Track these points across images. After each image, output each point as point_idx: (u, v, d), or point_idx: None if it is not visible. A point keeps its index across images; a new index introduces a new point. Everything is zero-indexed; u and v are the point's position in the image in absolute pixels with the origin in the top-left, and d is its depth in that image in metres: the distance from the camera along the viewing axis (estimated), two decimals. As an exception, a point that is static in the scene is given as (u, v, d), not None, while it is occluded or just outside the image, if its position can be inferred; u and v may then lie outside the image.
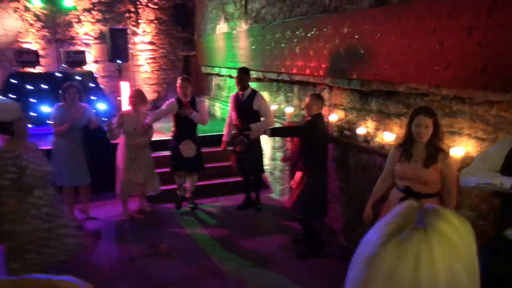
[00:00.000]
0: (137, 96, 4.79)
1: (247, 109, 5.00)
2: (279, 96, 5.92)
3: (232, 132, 5.27)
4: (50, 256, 3.02)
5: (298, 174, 4.15)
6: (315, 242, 4.13)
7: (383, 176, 3.07)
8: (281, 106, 5.80)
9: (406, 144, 2.83)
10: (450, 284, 0.64)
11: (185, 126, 4.98)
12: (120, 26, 8.87)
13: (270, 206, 5.51)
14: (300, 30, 4.76)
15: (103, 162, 4.90)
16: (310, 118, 3.99)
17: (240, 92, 5.03)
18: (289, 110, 5.31)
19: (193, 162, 5.06)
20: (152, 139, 5.03)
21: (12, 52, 7.39)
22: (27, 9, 8.50)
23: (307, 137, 3.99)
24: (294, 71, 5.02)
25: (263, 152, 5.31)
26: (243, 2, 6.55)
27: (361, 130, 4.05)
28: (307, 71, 4.72)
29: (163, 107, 5.06)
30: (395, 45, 3.31)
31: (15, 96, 6.34)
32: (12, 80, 6.46)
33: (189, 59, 9.92)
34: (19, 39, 8.53)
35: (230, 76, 7.30)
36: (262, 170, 5.47)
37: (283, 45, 5.22)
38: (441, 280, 0.63)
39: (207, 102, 9.04)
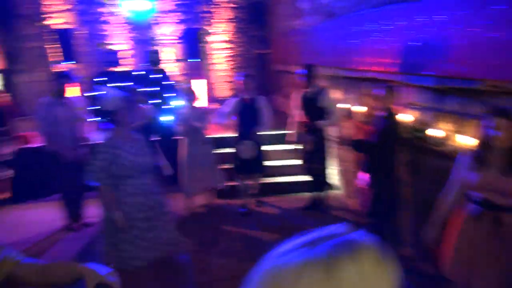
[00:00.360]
0: (188, 94, 4.96)
1: (314, 107, 4.84)
2: (350, 94, 5.62)
3: (298, 131, 5.13)
4: (144, 250, 2.99)
5: (364, 176, 3.91)
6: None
7: (450, 188, 2.71)
8: (351, 105, 5.50)
9: (481, 150, 2.46)
10: None
11: (246, 125, 4.92)
12: (197, 26, 9.23)
13: (337, 207, 5.28)
14: (369, 23, 4.45)
15: (167, 158, 5.08)
16: (383, 117, 3.69)
17: (306, 90, 4.89)
18: (358, 109, 5.02)
19: (253, 164, 4.99)
20: (214, 136, 5.16)
21: (98, 53, 8.06)
22: (116, 13, 9.23)
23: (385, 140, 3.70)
24: (364, 67, 4.71)
25: (330, 150, 5.13)
26: (314, -3, 6.35)
27: (433, 132, 3.65)
28: (377, 67, 4.39)
29: (225, 108, 5.03)
30: (476, 37, 2.90)
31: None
32: (97, 79, 7.04)
33: (264, 57, 9.96)
34: (109, 41, 9.32)
35: (301, 74, 7.14)
36: (330, 169, 5.27)
37: (352, 39, 4.94)
38: None
39: (279, 100, 8.99)
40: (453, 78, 3.23)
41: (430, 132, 3.71)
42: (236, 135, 5.09)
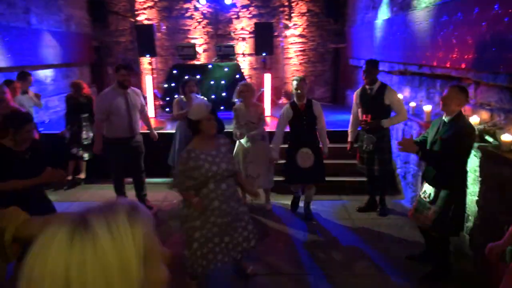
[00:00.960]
0: (247, 90, 4.69)
1: (377, 104, 4.57)
2: (420, 91, 5.23)
3: (359, 129, 4.88)
4: (213, 253, 3.08)
5: (427, 187, 3.50)
6: (444, 265, 3.50)
7: None
8: (421, 103, 5.12)
9: None
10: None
11: (302, 131, 4.62)
12: (272, 20, 9.25)
13: (397, 213, 4.96)
14: (443, 16, 4.07)
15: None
16: (456, 123, 3.20)
17: (367, 86, 4.63)
18: (428, 108, 4.65)
19: (311, 173, 4.62)
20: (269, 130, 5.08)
21: (176, 47, 8.50)
22: (196, 8, 9.65)
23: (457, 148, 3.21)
24: (435, 63, 4.34)
25: (392, 151, 4.80)
26: (390, -12, 5.98)
27: (507, 137, 3.24)
28: (448, 63, 4.01)
29: (280, 118, 4.71)
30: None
31: (174, 84, 7.33)
32: (174, 71, 7.43)
33: (339, 51, 9.67)
34: (188, 36, 9.78)
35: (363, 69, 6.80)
36: (390, 171, 4.96)
37: (424, 33, 4.57)
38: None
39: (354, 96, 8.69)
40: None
41: (503, 137, 3.29)
42: (290, 142, 4.77)
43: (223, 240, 3.12)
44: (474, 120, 3.72)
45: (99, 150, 4.72)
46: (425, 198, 3.43)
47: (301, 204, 5.07)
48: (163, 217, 4.82)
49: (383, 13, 6.33)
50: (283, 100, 9.59)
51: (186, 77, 7.41)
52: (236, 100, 4.90)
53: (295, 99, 4.60)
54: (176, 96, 5.39)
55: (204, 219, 3.06)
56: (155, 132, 5.22)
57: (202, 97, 3.88)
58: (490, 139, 3.50)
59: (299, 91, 4.49)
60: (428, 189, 3.42)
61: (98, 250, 0.64)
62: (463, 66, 3.73)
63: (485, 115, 3.68)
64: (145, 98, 7.83)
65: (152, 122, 7.16)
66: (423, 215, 3.43)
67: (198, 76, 7.42)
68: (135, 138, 4.81)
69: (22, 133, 3.07)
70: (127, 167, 4.87)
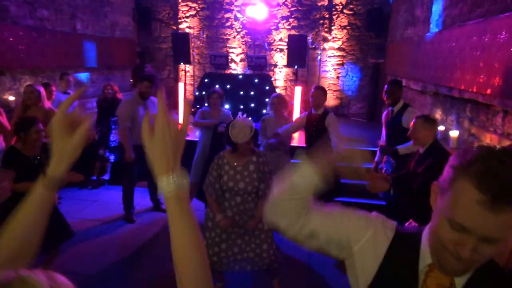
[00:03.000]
0: (278, 102, 4.70)
1: (395, 127, 4.32)
2: (451, 115, 4.89)
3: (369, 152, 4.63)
4: (218, 257, 3.15)
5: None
6: None
7: None
8: (451, 127, 4.78)
9: None
10: None
11: (315, 143, 4.50)
12: (311, 33, 9.14)
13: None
14: (473, 36, 3.78)
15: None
16: (429, 155, 3.00)
17: (390, 108, 4.38)
18: (454, 133, 4.33)
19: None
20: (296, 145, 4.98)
21: (211, 56, 8.62)
22: (236, 18, 9.76)
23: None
24: (463, 86, 4.03)
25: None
26: (428, 4, 5.68)
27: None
28: (475, 88, 3.71)
29: (293, 121, 4.73)
30: None
31: (204, 93, 7.42)
32: (205, 79, 7.54)
33: (379, 66, 9.33)
34: (227, 45, 9.91)
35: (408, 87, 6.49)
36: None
37: (454, 54, 4.27)
38: None
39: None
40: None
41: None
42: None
43: (232, 249, 3.14)
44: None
45: (131, 158, 4.77)
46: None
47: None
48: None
49: (421, 30, 6.03)
50: (316, 114, 9.41)
51: (217, 86, 7.54)
52: (268, 112, 4.89)
53: (313, 108, 4.53)
54: (205, 104, 5.40)
55: (215, 223, 3.13)
56: None
57: (244, 115, 3.79)
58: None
59: (314, 100, 4.43)
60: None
61: None
62: (488, 91, 3.43)
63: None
64: (177, 105, 8.07)
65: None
66: None
67: (228, 86, 7.49)
68: None
69: (30, 135, 3.22)
70: (143, 173, 4.96)
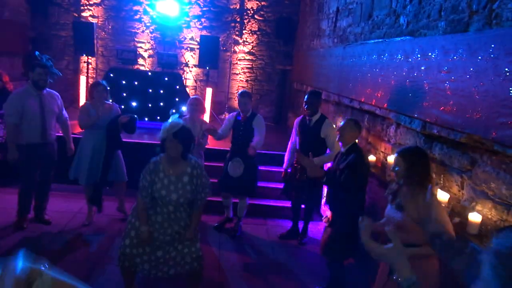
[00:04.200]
0: (197, 105, 4.70)
1: (313, 136, 4.56)
2: (351, 124, 5.33)
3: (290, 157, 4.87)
4: (141, 259, 3.10)
5: (327, 212, 3.68)
6: None
7: None
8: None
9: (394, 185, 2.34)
10: None
11: (239, 142, 4.70)
12: (223, 35, 9.18)
13: (317, 240, 4.97)
14: (373, 54, 4.18)
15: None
16: (350, 154, 3.45)
17: (307, 117, 4.61)
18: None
19: (242, 184, 4.69)
20: (207, 147, 4.99)
21: (117, 49, 8.14)
22: (146, 12, 9.35)
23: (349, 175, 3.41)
24: (363, 99, 4.43)
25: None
26: (334, 19, 6.12)
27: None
28: (373, 101, 4.11)
29: (225, 122, 4.92)
30: (461, 85, 2.60)
31: (108, 88, 6.97)
32: (110, 74, 7.09)
33: (286, 73, 9.78)
34: (135, 39, 9.45)
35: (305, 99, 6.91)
36: (319, 201, 5.00)
37: (356, 68, 4.67)
38: None
39: (293, 120, 8.76)
40: (437, 125, 2.92)
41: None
42: (229, 151, 4.90)
43: (155, 253, 3.07)
44: (392, 159, 3.82)
45: (15, 157, 4.24)
46: (326, 222, 3.62)
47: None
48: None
49: (326, 43, 6.46)
50: (225, 115, 9.48)
51: (123, 82, 7.13)
52: (186, 113, 4.85)
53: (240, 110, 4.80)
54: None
55: (138, 233, 3.06)
56: (73, 145, 4.76)
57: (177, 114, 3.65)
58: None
59: (241, 105, 4.73)
60: (328, 213, 3.60)
61: None
62: (385, 105, 3.82)
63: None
64: (77, 98, 7.44)
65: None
66: (323, 238, 3.62)
67: (135, 83, 7.14)
68: (48, 145, 4.43)
69: None
70: (36, 175, 4.47)
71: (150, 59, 9.39)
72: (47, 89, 4.40)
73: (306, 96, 4.64)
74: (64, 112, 4.67)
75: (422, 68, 3.10)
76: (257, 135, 4.67)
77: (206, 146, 5.01)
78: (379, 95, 3.99)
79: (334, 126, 4.75)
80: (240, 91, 4.92)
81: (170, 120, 3.02)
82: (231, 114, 4.95)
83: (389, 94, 3.75)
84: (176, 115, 3.12)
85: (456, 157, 2.90)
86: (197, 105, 4.73)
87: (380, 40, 4.16)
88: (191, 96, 4.97)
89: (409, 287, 1.37)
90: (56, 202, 5.15)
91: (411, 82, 3.29)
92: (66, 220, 4.81)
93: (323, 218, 3.73)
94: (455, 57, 2.67)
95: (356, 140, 3.62)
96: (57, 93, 4.60)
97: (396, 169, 2.54)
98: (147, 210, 3.06)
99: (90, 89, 4.65)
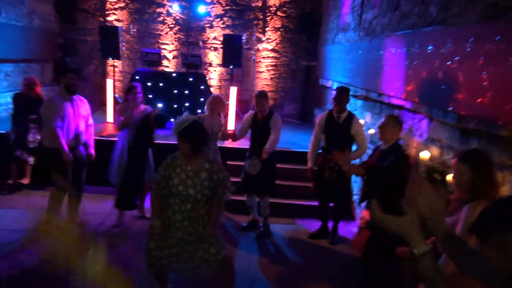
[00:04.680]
0: (216, 103, 4.73)
1: (342, 134, 4.47)
2: (380, 119, 5.17)
3: (322, 156, 4.76)
4: (168, 261, 3.09)
5: (366, 213, 3.52)
6: None
7: None
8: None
9: None
10: None
11: (258, 141, 4.68)
12: (246, 33, 9.14)
13: (347, 240, 4.85)
14: (402, 46, 4.03)
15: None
16: (392, 152, 3.34)
17: (335, 114, 4.52)
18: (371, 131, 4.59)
19: (260, 182, 4.67)
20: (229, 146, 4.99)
21: (142, 52, 8.23)
22: (169, 13, 9.43)
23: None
24: (392, 93, 4.28)
25: (351, 179, 4.76)
26: (359, 12, 5.96)
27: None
28: (403, 95, 3.96)
29: (243, 121, 4.87)
30: (500, 75, 2.45)
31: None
32: (136, 76, 7.17)
33: (311, 69, 9.64)
34: (159, 40, 9.55)
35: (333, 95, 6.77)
36: (349, 198, 4.89)
37: (385, 62, 4.52)
38: None
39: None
40: (474, 119, 2.77)
41: (449, 176, 3.22)
42: (249, 150, 4.87)
43: (181, 254, 3.06)
44: (424, 155, 3.66)
45: (68, 159, 4.28)
46: (363, 223, 3.49)
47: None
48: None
49: (351, 37, 6.31)
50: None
51: (149, 84, 7.21)
52: (205, 111, 4.87)
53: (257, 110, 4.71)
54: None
55: (165, 226, 3.03)
56: (93, 151, 4.74)
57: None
58: (438, 177, 3.43)
59: (258, 105, 4.62)
60: (366, 213, 3.46)
61: None
62: (416, 99, 3.67)
63: (435, 151, 3.62)
64: (105, 101, 7.58)
65: (110, 128, 6.92)
66: (359, 240, 3.49)
67: (161, 84, 7.20)
68: (79, 148, 4.51)
69: None
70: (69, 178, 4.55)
71: (175, 60, 9.47)
72: (76, 94, 4.47)
73: (335, 93, 4.56)
74: (91, 117, 4.72)
75: (456, 58, 2.95)
76: (271, 134, 4.62)
77: (226, 145, 5.02)
78: (409, 88, 3.84)
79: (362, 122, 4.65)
80: (256, 92, 4.84)
81: (179, 118, 3.00)
82: (248, 113, 4.89)
83: (420, 87, 3.60)
84: (186, 112, 3.10)
85: (495, 152, 2.74)
86: (215, 103, 4.75)
87: (409, 31, 4.00)
88: (212, 94, 4.98)
89: (421, 256, 1.36)
90: (89, 204, 5.25)
91: (445, 74, 3.13)
92: (98, 221, 4.89)
93: (360, 218, 3.59)
94: (491, 46, 2.52)
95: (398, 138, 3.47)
96: (85, 99, 4.68)
97: (458, 177, 2.23)
98: (167, 210, 3.04)
99: (125, 92, 4.72)
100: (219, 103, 4.77)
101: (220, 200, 3.10)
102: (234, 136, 4.68)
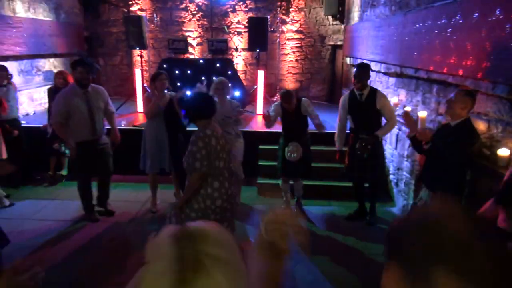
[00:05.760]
0: (222, 87, 4.61)
1: (368, 110, 4.39)
2: (416, 96, 5.01)
3: (352, 136, 4.67)
4: None
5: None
6: None
7: None
8: (417, 108, 4.90)
9: None
10: None
11: (291, 128, 4.64)
12: (269, 15, 8.99)
13: (386, 222, 4.77)
14: (443, 18, 3.84)
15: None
16: (462, 128, 3.12)
17: (357, 92, 4.43)
18: (422, 114, 4.41)
19: (298, 167, 4.65)
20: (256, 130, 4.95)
21: (168, 40, 8.23)
22: (191, 0, 9.36)
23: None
24: (431, 68, 4.11)
25: (385, 157, 4.65)
26: (389, -14, 5.73)
27: (503, 152, 3.04)
28: (445, 69, 3.79)
29: (271, 111, 4.72)
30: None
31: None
32: (164, 65, 7.19)
33: (337, 49, 9.42)
34: (183, 28, 9.52)
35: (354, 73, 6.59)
36: (382, 177, 4.80)
37: (422, 35, 4.34)
38: None
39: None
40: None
41: (499, 151, 3.09)
42: (282, 134, 4.82)
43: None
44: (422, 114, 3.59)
45: (73, 154, 4.39)
46: (419, 202, 3.38)
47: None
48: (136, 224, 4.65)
49: (381, 12, 6.09)
50: (277, 98, 9.35)
51: (177, 72, 7.22)
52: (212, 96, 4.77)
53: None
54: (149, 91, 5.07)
55: (202, 216, 2.96)
56: (119, 134, 4.77)
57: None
58: (487, 152, 3.30)
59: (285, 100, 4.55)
60: (424, 196, 3.33)
61: None
62: (460, 72, 3.51)
63: (482, 126, 3.47)
64: (134, 92, 7.65)
65: (140, 118, 6.98)
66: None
67: (188, 71, 7.19)
68: (100, 140, 4.55)
69: None
70: (94, 169, 4.62)
71: (199, 47, 9.43)
72: (92, 85, 4.46)
73: (355, 70, 4.48)
74: (111, 105, 4.73)
75: (508, 26, 2.78)
76: (313, 119, 4.56)
77: (257, 129, 4.96)
78: (452, 61, 3.67)
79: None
80: (281, 91, 4.73)
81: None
82: (275, 103, 4.78)
83: (465, 59, 3.44)
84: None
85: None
86: (222, 88, 4.64)
87: (450, 0, 3.80)
88: (218, 78, 4.85)
89: None
90: (124, 193, 5.36)
91: (494, 44, 2.97)
92: (136, 209, 4.98)
93: (417, 199, 3.48)
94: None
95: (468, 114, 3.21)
96: (102, 88, 4.68)
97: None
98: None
99: (152, 80, 4.69)
100: (225, 86, 4.65)
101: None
102: (269, 120, 4.58)
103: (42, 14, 7.49)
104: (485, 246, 0.60)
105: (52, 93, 5.71)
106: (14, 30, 6.49)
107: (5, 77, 5.35)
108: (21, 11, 6.84)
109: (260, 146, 5.85)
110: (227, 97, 4.70)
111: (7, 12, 6.45)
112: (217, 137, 2.95)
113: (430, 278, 0.60)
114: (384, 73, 6.05)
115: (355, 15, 7.82)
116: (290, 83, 9.71)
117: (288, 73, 9.69)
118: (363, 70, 4.38)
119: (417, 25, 4.49)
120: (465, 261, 0.59)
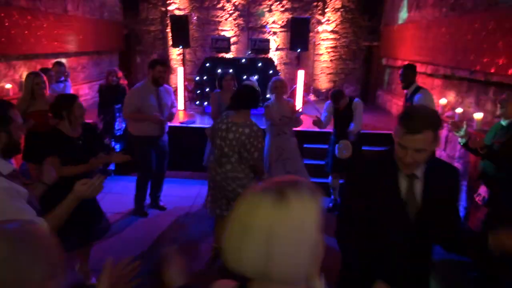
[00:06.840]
0: (281, 86, 4.57)
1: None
2: (468, 97, 5.01)
3: None
4: None
5: (482, 189, 3.42)
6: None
7: None
8: (469, 110, 4.91)
9: None
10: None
11: (342, 125, 4.71)
12: (306, 15, 9.04)
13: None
14: (508, 19, 3.85)
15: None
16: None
17: (405, 91, 4.58)
18: (478, 115, 4.44)
19: (349, 164, 4.74)
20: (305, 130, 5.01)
21: (210, 39, 8.35)
22: (228, 0, 9.48)
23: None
24: (492, 69, 4.12)
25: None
26: (439, -13, 5.74)
27: None
28: (510, 71, 3.80)
29: (324, 112, 4.85)
30: None
31: (205, 77, 7.22)
32: (206, 64, 7.31)
33: (372, 49, 9.41)
34: (219, 27, 9.64)
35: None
36: None
37: (480, 37, 4.34)
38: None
39: (384, 97, 8.49)
40: None
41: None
42: (332, 133, 4.93)
43: None
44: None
45: (157, 116, 4.44)
46: (479, 201, 3.38)
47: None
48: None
49: (431, 13, 6.08)
50: (311, 97, 9.41)
51: (219, 71, 7.31)
52: (270, 96, 4.80)
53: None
54: (216, 91, 5.18)
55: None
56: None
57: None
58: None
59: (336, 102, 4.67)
60: (483, 192, 3.35)
61: (293, 214, 0.84)
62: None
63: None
64: (175, 91, 7.79)
65: (181, 116, 7.13)
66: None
67: (230, 70, 7.26)
68: (163, 137, 4.70)
69: (74, 111, 2.99)
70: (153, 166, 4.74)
71: (235, 46, 9.53)
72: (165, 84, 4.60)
73: (401, 70, 4.58)
74: (175, 105, 4.85)
75: None
76: (354, 120, 4.66)
77: (303, 128, 5.00)
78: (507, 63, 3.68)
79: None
80: (332, 91, 4.78)
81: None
82: (327, 103, 4.85)
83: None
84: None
85: None
86: (281, 87, 4.59)
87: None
88: (274, 78, 4.87)
89: None
90: (175, 189, 5.48)
91: None
92: (189, 204, 5.11)
93: (475, 195, 3.50)
94: None
95: None
96: (171, 87, 4.80)
97: None
98: None
99: (218, 79, 4.76)
100: (284, 86, 4.63)
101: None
102: (320, 123, 4.65)
103: (89, 13, 7.70)
104: None
105: (103, 90, 5.89)
106: (65, 28, 6.70)
107: (63, 73, 5.53)
108: (71, 9, 7.04)
109: (304, 145, 5.92)
110: (284, 96, 4.73)
111: (59, 11, 6.66)
112: None
113: None
114: (430, 75, 6.05)
115: (397, 15, 7.81)
116: (323, 83, 9.75)
117: (322, 73, 9.73)
118: (406, 69, 4.58)
119: (475, 26, 4.49)
120: None
